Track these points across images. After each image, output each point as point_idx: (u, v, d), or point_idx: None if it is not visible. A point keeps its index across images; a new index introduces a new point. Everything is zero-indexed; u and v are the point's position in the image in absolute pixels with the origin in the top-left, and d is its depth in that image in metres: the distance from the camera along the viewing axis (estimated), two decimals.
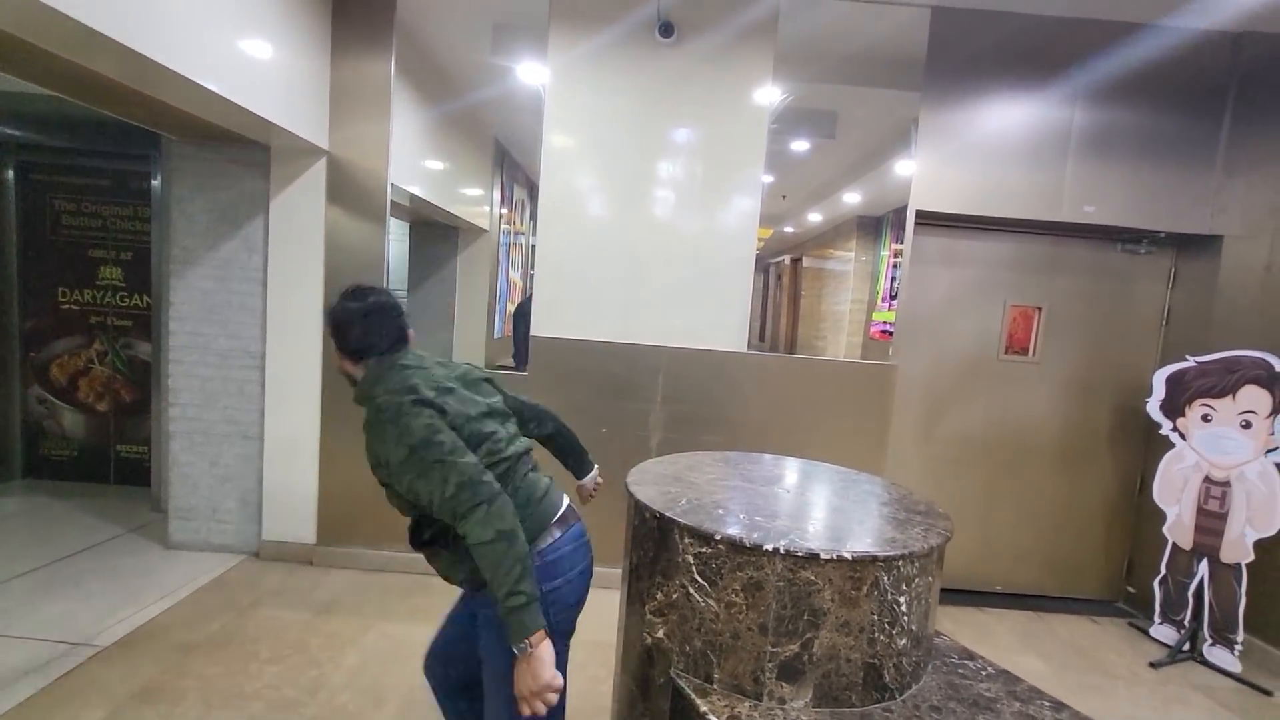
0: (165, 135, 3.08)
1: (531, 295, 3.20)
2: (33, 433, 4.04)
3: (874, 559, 1.16)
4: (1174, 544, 2.97)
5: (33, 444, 4.05)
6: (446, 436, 1.18)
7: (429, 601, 2.90)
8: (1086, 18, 2.94)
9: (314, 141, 2.92)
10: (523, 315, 3.98)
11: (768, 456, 1.95)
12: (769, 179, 3.18)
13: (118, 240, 3.92)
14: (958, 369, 3.35)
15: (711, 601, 1.22)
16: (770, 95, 3.02)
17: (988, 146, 3.04)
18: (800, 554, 1.15)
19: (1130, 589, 3.36)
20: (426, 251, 5.10)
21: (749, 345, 3.14)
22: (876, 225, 3.56)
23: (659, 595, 1.30)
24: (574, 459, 1.79)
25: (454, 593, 1.46)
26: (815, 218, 4.73)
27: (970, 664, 1.38)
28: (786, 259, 5.05)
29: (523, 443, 1.40)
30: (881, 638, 1.19)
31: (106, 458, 4.05)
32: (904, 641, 1.22)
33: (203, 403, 3.14)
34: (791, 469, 1.82)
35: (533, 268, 3.24)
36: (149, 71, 2.05)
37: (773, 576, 1.17)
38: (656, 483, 1.51)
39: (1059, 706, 1.24)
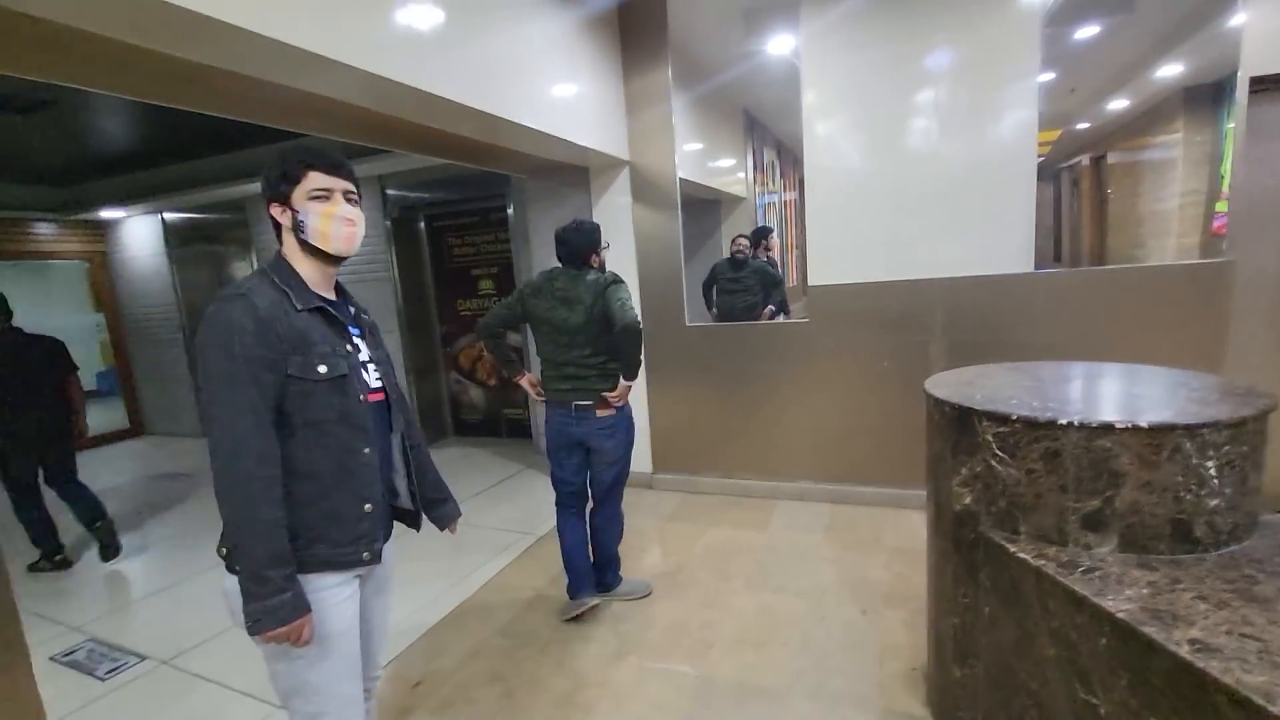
0: (514, 175, 4.18)
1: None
2: (454, 404, 5.78)
3: (1172, 427, 1.33)
4: None
5: (455, 412, 5.80)
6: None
7: (743, 515, 3.54)
8: None
9: (618, 155, 3.69)
10: (751, 270, 4.46)
11: (1060, 363, 2.06)
12: (1049, 77, 3.02)
13: (488, 260, 5.35)
14: None
15: (1012, 470, 1.51)
16: None
17: None
18: (1094, 425, 1.38)
19: None
20: (696, 226, 5.75)
21: (1036, 265, 3.07)
22: (1215, 94, 3.04)
23: (963, 470, 1.63)
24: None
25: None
26: (1119, 104, 4.14)
27: None
28: (1085, 159, 4.50)
29: None
30: (1189, 497, 1.35)
31: (499, 419, 5.60)
32: (1216, 502, 1.35)
33: None
34: (1086, 369, 1.93)
35: (802, 225, 3.61)
36: (502, 128, 2.80)
37: (1069, 446, 1.41)
38: (951, 385, 1.81)
39: None
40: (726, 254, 4.92)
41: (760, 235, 5.01)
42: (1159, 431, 1.34)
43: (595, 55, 3.42)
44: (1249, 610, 1.16)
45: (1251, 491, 1.41)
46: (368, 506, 1.31)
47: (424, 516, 1.55)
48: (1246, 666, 1.01)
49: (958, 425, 1.63)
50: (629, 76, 3.70)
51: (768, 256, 4.96)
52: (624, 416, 2.52)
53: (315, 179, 1.25)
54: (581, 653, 2.39)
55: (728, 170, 5.79)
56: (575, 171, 3.90)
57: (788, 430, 3.64)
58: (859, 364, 3.44)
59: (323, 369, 1.23)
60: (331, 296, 1.34)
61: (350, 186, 1.30)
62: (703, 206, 5.71)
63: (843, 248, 3.39)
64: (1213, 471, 1.35)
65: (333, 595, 1.28)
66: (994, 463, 1.54)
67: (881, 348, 3.38)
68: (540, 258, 4.17)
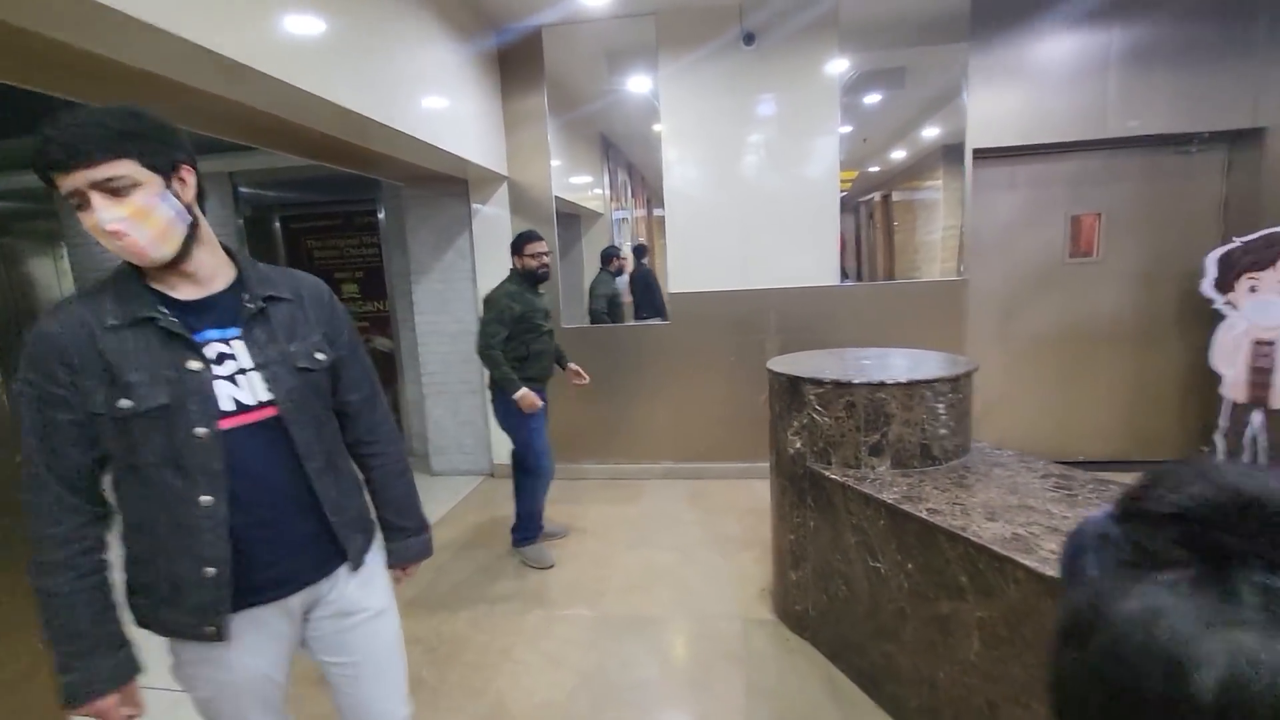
0: (387, 181, 4.30)
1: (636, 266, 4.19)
2: None
3: (919, 382, 2.03)
4: (1232, 401, 3.48)
5: None
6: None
7: (618, 493, 4.02)
8: None
9: (498, 170, 4.01)
10: (638, 279, 4.99)
11: (857, 349, 2.81)
12: (847, 129, 3.90)
13: (353, 263, 5.31)
14: (1026, 277, 3.96)
15: (826, 419, 2.14)
16: (839, 67, 3.74)
17: (1032, 82, 3.60)
18: (875, 383, 2.04)
19: (1204, 448, 3.87)
20: (561, 238, 6.16)
21: (842, 279, 3.94)
22: (961, 153, 4.11)
23: (794, 423, 2.24)
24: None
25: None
26: (899, 154, 5.27)
27: (1000, 452, 2.21)
28: (877, 196, 5.59)
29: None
30: (929, 429, 2.06)
31: None
32: (944, 432, 2.08)
33: (444, 370, 4.42)
34: (873, 352, 2.68)
35: (651, 236, 4.20)
36: (381, 133, 2.88)
37: (860, 399, 2.07)
38: (784, 363, 2.44)
39: (1055, 464, 2.05)
40: (593, 265, 5.37)
41: (640, 253, 5.49)
42: (912, 385, 2.04)
43: (478, 77, 3.73)
44: (960, 492, 1.86)
45: (966, 425, 2.16)
46: (209, 571, 1.03)
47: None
48: (954, 518, 1.68)
49: (790, 390, 2.25)
50: (508, 99, 4.05)
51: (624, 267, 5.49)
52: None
53: (60, 182, 0.92)
54: (491, 612, 2.69)
55: (587, 187, 6.30)
56: (455, 182, 4.14)
57: (653, 419, 4.20)
58: (711, 360, 4.10)
59: (125, 403, 0.97)
60: (198, 293, 1.06)
61: (100, 173, 0.91)
62: (566, 220, 6.14)
63: (697, 261, 4.04)
64: (942, 411, 2.07)
65: (190, 665, 1.12)
66: (814, 415, 2.17)
67: (729, 346, 4.06)
68: (419, 263, 4.33)
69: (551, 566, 3.09)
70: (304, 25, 2.17)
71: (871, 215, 5.70)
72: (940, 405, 2.06)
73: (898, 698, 1.91)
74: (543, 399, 3.08)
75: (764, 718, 2.00)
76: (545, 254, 3.05)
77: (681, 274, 4.07)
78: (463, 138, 3.53)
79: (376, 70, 2.68)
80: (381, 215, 4.89)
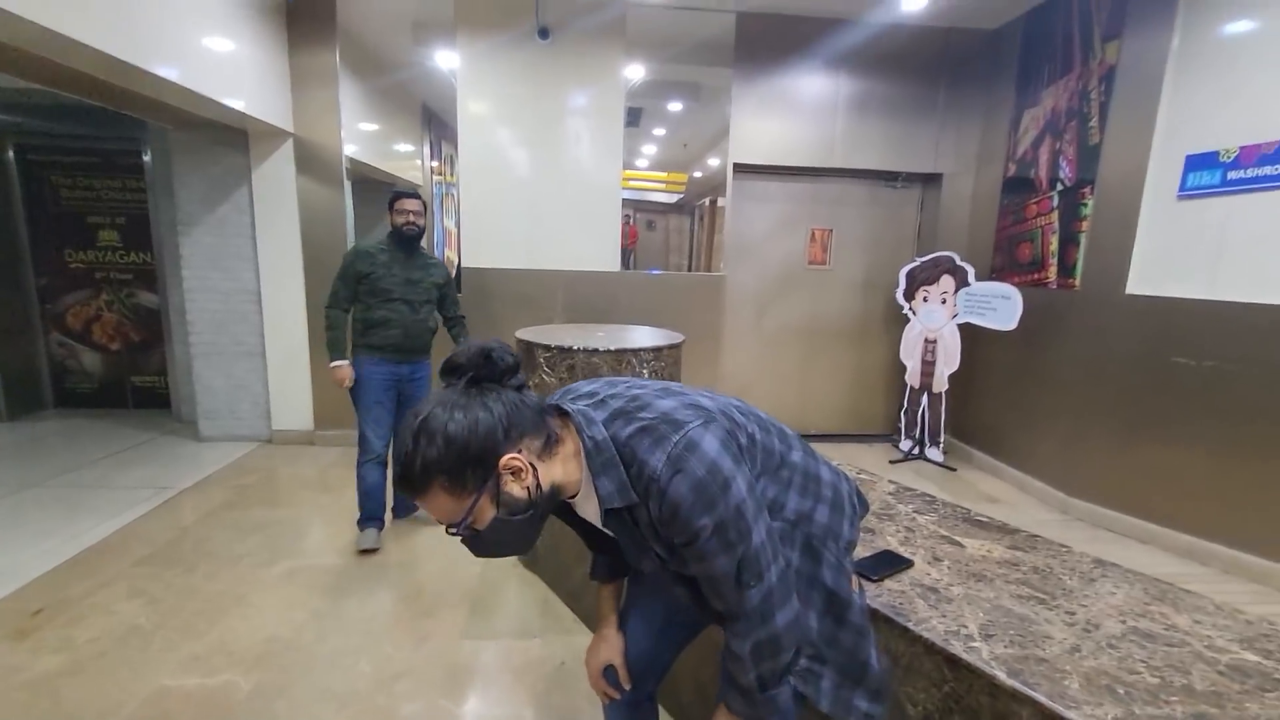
0: (153, 123, 3.96)
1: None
2: (58, 371, 4.95)
3: (627, 350, 2.43)
4: (911, 387, 4.44)
5: (59, 380, 4.97)
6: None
7: None
8: (841, 18, 4.14)
9: (281, 126, 3.88)
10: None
11: (607, 325, 3.21)
12: (660, 131, 4.31)
13: (112, 208, 4.76)
14: (776, 278, 4.68)
15: (552, 378, 2.47)
16: (632, 73, 4.13)
17: (780, 112, 4.27)
18: (590, 349, 2.41)
19: (900, 425, 4.87)
20: (367, 208, 6.01)
21: (623, 268, 4.36)
22: None
23: (530, 383, 2.55)
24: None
25: None
26: (714, 163, 5.86)
27: None
28: (707, 201, 6.14)
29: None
30: None
31: (123, 387, 5.01)
32: None
33: (215, 330, 4.17)
34: (618, 328, 3.08)
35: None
36: (131, 73, 2.68)
37: (579, 362, 2.42)
38: (530, 333, 2.74)
39: None
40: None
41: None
42: (621, 353, 2.43)
43: (258, 27, 3.59)
44: None
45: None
46: None
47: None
48: None
49: (527, 354, 2.55)
50: (295, 53, 3.92)
51: None
52: None
53: None
54: (234, 567, 2.70)
55: (404, 156, 6.17)
56: (232, 132, 3.93)
57: (437, 385, 4.31)
58: (498, 331, 4.32)
59: None
60: None
61: None
62: (375, 186, 5.98)
63: (489, 238, 4.23)
64: (647, 374, 2.49)
65: None
66: (545, 375, 2.50)
67: (519, 321, 4.31)
68: (188, 213, 4.03)
69: (371, 550, 2.86)
70: None
71: (702, 218, 6.26)
72: (645, 370, 2.48)
73: (590, 608, 2.29)
74: (386, 374, 2.85)
75: (479, 632, 2.29)
76: (413, 212, 2.82)
77: (474, 250, 4.24)
78: (238, 88, 3.40)
79: (134, 6, 2.55)
80: (148, 158, 4.46)
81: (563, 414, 0.98)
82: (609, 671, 1.22)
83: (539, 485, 0.92)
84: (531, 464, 0.91)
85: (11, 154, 4.61)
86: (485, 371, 0.91)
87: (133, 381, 5.01)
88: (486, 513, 0.90)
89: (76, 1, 2.28)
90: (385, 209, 2.86)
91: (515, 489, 0.90)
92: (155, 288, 4.81)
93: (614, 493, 0.90)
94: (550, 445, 0.94)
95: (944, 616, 1.15)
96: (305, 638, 2.23)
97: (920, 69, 4.29)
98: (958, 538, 1.47)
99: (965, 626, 1.12)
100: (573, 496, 1.00)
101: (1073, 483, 3.50)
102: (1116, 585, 1.28)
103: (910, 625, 1.12)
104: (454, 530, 0.91)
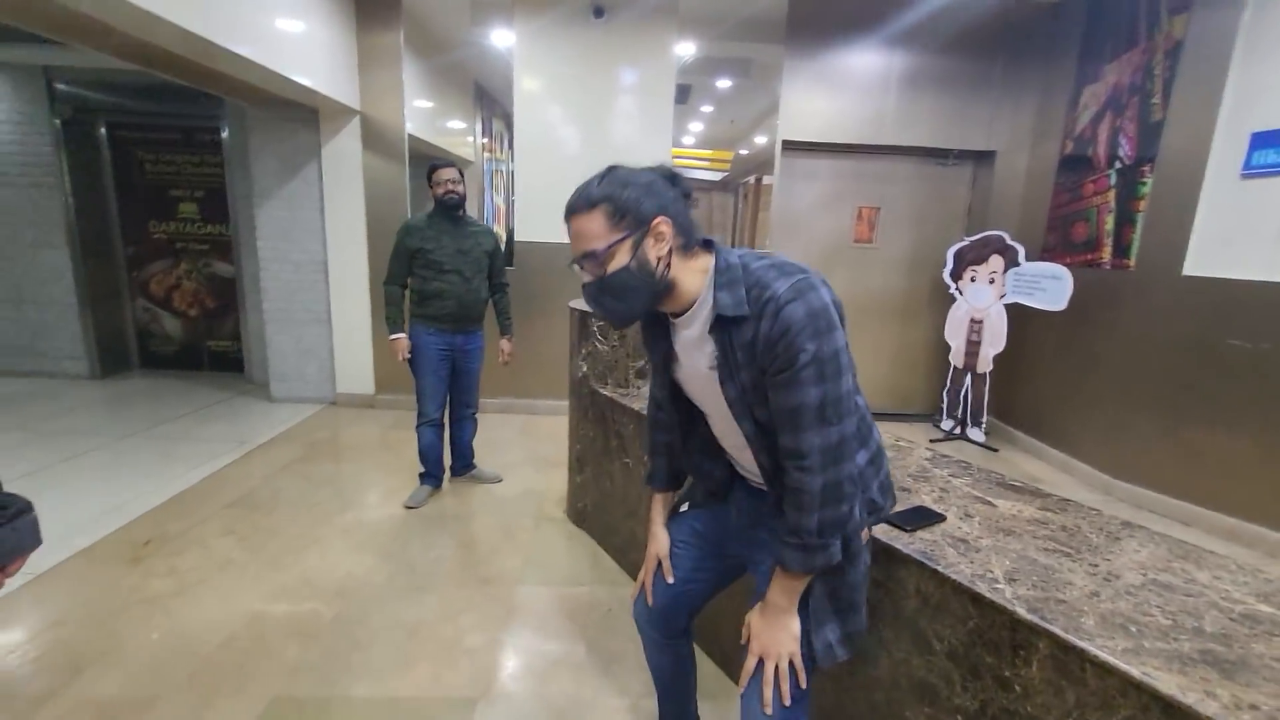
0: (232, 101, 4.21)
1: None
2: (142, 334, 5.36)
3: None
4: (955, 367, 4.43)
5: (143, 343, 5.38)
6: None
7: None
8: None
9: (349, 104, 4.08)
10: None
11: None
12: (709, 109, 4.36)
13: (191, 182, 5.09)
14: (820, 255, 4.70)
15: (605, 348, 2.61)
16: (683, 50, 4.18)
17: (833, 88, 4.26)
18: None
19: (942, 405, 4.87)
20: (421, 182, 6.23)
21: None
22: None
23: (583, 351, 2.70)
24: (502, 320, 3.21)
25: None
26: (761, 140, 5.86)
27: None
28: (752, 179, 6.16)
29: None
30: None
31: (200, 351, 5.40)
32: None
33: (286, 298, 4.45)
34: None
35: (514, 193, 4.48)
36: (212, 49, 2.83)
37: (630, 331, 2.55)
38: (581, 304, 2.88)
39: None
40: None
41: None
42: None
43: (329, 7, 3.77)
44: None
45: None
46: None
47: None
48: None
49: (580, 324, 2.70)
50: (363, 34, 4.10)
51: None
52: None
53: None
54: (310, 512, 2.96)
55: (457, 133, 6.35)
56: (304, 110, 4.15)
57: (491, 357, 4.52)
58: (550, 306, 4.49)
59: None
60: None
61: None
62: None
63: (542, 214, 4.37)
64: None
65: None
66: (597, 344, 2.64)
67: (570, 293, 4.46)
68: (263, 187, 4.29)
69: (417, 506, 3.04)
70: None
71: (746, 196, 6.27)
72: None
73: (635, 562, 2.46)
74: (441, 344, 2.98)
75: (534, 579, 2.48)
76: (451, 180, 2.88)
77: (528, 225, 4.40)
78: (311, 67, 3.59)
79: None
80: (226, 134, 4.74)
81: (708, 244, 1.11)
82: (657, 576, 1.41)
83: (668, 265, 1.05)
84: (670, 247, 1.05)
85: (103, 131, 4.97)
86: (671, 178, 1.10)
87: (209, 346, 5.39)
88: (622, 257, 1.04)
89: None
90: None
91: (652, 252, 1.04)
92: (229, 258, 5.13)
93: (730, 304, 1.02)
94: (688, 250, 1.08)
95: (972, 563, 1.25)
96: (376, 576, 2.46)
97: (978, 43, 4.20)
98: (991, 499, 1.56)
99: (991, 571, 1.22)
100: (679, 315, 1.12)
101: (1117, 464, 3.48)
102: (1142, 544, 1.35)
103: (939, 568, 1.23)
104: (586, 263, 1.07)
